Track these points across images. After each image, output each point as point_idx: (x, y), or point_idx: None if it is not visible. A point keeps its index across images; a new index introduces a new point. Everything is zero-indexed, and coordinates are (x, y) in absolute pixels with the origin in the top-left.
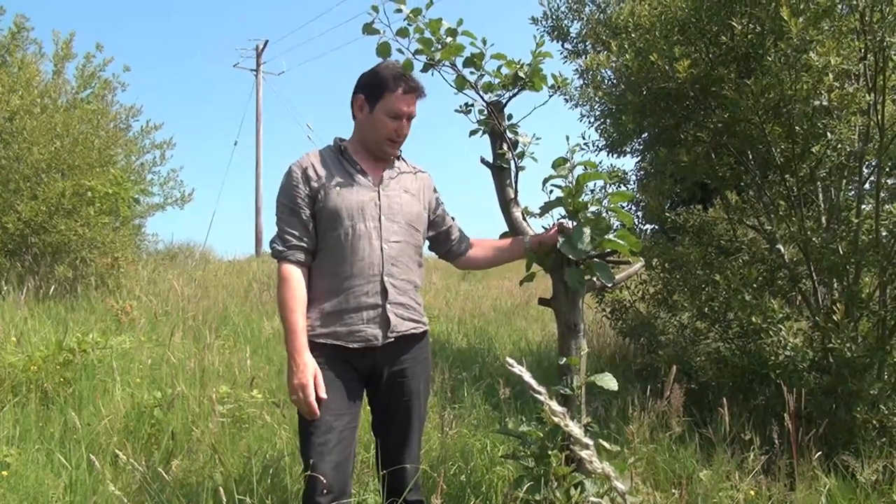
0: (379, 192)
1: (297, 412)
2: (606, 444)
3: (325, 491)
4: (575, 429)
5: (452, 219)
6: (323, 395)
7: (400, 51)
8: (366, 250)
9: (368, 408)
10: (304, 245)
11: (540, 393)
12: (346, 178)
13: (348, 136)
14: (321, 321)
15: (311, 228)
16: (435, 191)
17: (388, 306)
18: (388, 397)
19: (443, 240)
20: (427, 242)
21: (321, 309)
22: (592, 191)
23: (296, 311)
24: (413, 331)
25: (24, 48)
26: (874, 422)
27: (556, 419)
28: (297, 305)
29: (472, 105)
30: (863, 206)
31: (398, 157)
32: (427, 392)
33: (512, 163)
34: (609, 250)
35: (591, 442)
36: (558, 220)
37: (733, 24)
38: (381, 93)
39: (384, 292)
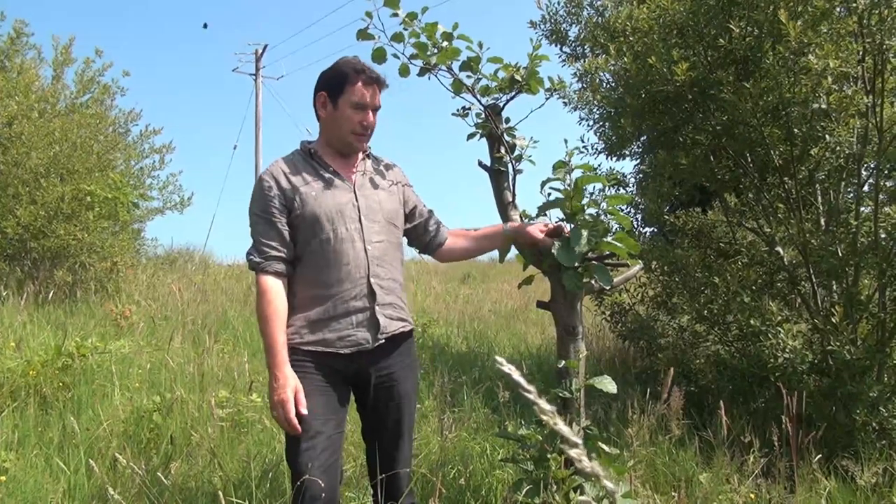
0: (355, 193)
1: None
2: (606, 447)
3: (313, 496)
4: (564, 428)
5: (430, 211)
6: (304, 410)
7: (396, 56)
8: (350, 254)
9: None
10: (283, 255)
11: (529, 392)
12: (321, 182)
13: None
14: (308, 328)
15: (289, 237)
16: (408, 183)
17: (376, 308)
18: (376, 401)
19: (420, 232)
20: (405, 238)
21: (307, 316)
22: (591, 193)
23: (275, 324)
24: (402, 330)
25: (23, 53)
26: (874, 424)
27: (545, 418)
28: (276, 319)
29: (470, 108)
30: (862, 209)
31: (368, 156)
32: (416, 394)
33: (509, 166)
34: (608, 253)
35: (580, 440)
36: (556, 222)
37: (731, 27)
38: (342, 87)
39: (372, 294)
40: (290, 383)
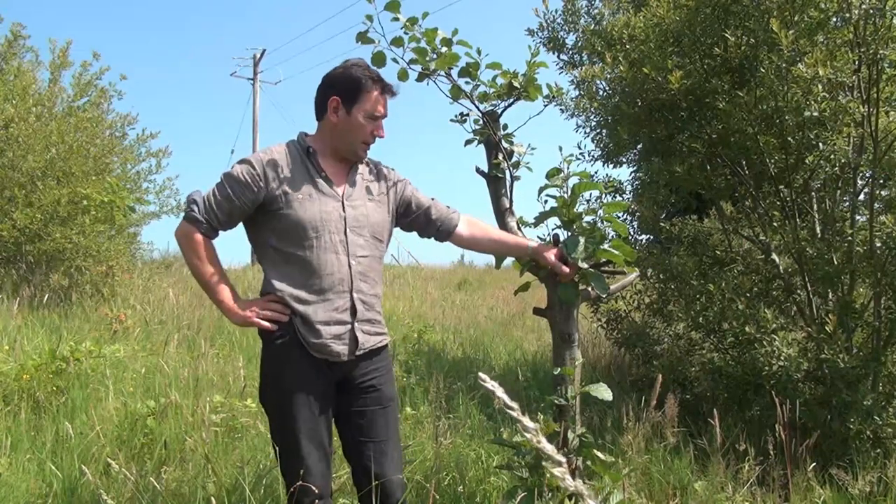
0: (343, 203)
1: (271, 425)
2: (601, 455)
3: (311, 494)
4: (547, 446)
5: (432, 199)
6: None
7: (395, 60)
8: (334, 265)
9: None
10: (218, 230)
11: (513, 409)
12: (310, 187)
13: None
14: (300, 321)
15: (230, 224)
16: (401, 180)
17: (356, 324)
18: (363, 407)
19: (424, 222)
20: (414, 231)
21: (296, 312)
22: (588, 201)
23: (214, 275)
24: (378, 344)
25: (20, 56)
26: (868, 433)
27: (528, 436)
28: (213, 269)
29: (468, 115)
30: (857, 217)
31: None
32: (396, 398)
33: (507, 172)
34: (604, 260)
35: (563, 459)
36: (553, 230)
37: (727, 36)
38: (357, 94)
39: (353, 310)
40: (243, 308)
